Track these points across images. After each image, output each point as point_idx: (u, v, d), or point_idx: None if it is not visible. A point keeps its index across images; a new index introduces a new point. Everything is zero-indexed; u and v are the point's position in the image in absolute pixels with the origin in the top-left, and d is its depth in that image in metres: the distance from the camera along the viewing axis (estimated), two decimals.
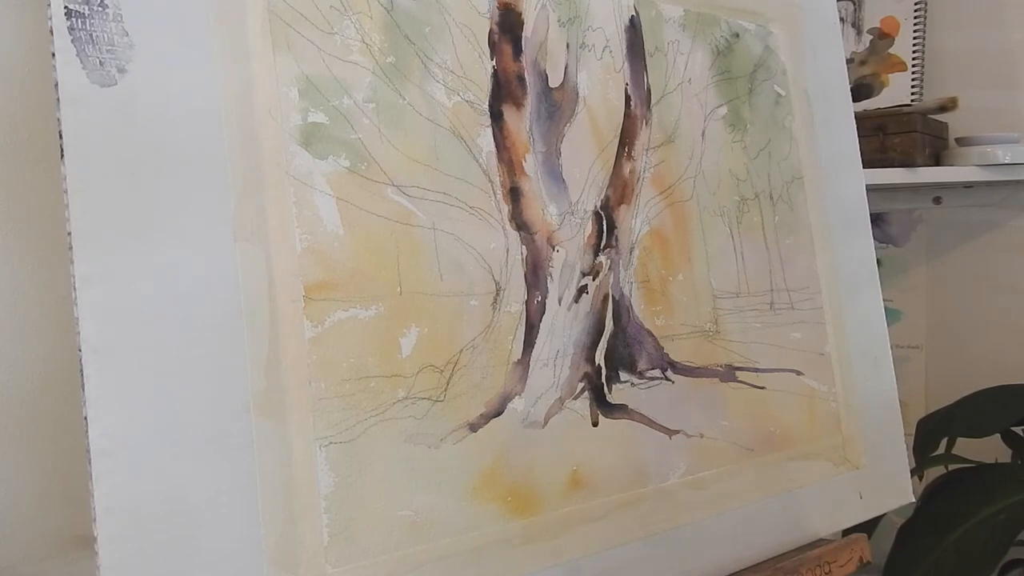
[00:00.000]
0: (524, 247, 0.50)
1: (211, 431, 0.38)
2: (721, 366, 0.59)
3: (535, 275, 0.50)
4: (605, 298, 0.54)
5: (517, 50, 0.52)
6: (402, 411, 0.44)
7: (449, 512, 0.45)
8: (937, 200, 1.27)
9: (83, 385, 0.35)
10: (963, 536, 0.86)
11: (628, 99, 0.57)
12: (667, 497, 0.54)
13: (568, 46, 0.54)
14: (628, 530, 0.52)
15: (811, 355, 0.65)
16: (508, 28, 0.51)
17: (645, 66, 0.58)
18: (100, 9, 0.38)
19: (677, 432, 0.56)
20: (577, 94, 0.54)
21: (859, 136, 0.73)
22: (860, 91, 1.22)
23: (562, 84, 0.54)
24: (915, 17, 1.24)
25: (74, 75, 0.37)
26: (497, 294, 0.48)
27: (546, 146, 0.52)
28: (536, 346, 0.50)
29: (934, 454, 1.00)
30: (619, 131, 0.56)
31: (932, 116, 1.17)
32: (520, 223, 0.50)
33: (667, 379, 0.56)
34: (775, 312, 0.63)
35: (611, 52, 0.56)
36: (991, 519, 0.86)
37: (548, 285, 0.51)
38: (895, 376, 0.71)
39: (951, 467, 0.99)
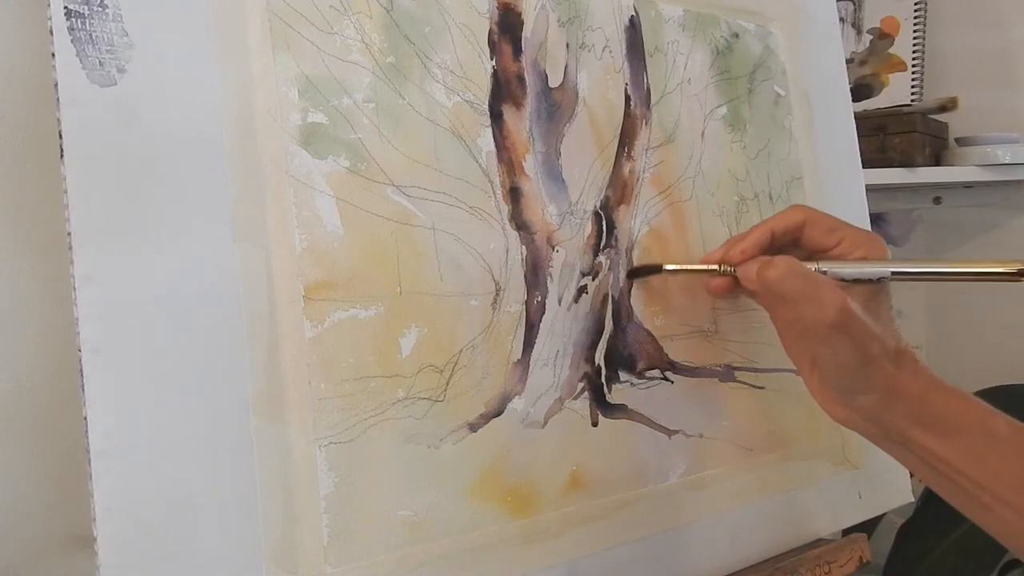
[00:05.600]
0: (524, 247, 0.50)
1: (211, 431, 0.38)
2: (720, 366, 0.59)
3: (535, 275, 0.50)
4: (605, 298, 0.54)
5: (517, 50, 0.52)
6: (402, 411, 0.44)
7: (449, 512, 0.45)
8: (937, 200, 1.27)
9: (83, 385, 0.35)
10: (963, 536, 0.86)
11: (628, 99, 0.57)
12: (667, 497, 0.54)
13: (568, 46, 0.54)
14: (628, 530, 0.52)
15: None
16: (508, 28, 0.51)
17: (645, 66, 0.58)
18: (100, 9, 0.38)
19: (677, 432, 0.56)
20: (577, 94, 0.54)
21: (859, 136, 0.73)
22: (860, 91, 1.22)
23: (562, 84, 0.54)
24: (915, 17, 1.24)
25: (74, 75, 0.37)
26: (497, 294, 0.48)
27: (546, 146, 0.52)
28: (536, 346, 0.50)
29: None
30: (619, 131, 0.56)
31: (932, 116, 1.17)
32: (520, 223, 0.50)
33: (666, 379, 0.56)
34: None
35: (611, 52, 0.56)
36: None
37: (548, 285, 0.51)
38: None
39: None
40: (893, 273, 0.50)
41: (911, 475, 0.72)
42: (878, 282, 0.50)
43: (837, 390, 0.48)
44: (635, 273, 0.56)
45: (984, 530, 0.48)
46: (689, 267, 0.55)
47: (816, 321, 0.46)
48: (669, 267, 0.55)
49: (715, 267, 0.53)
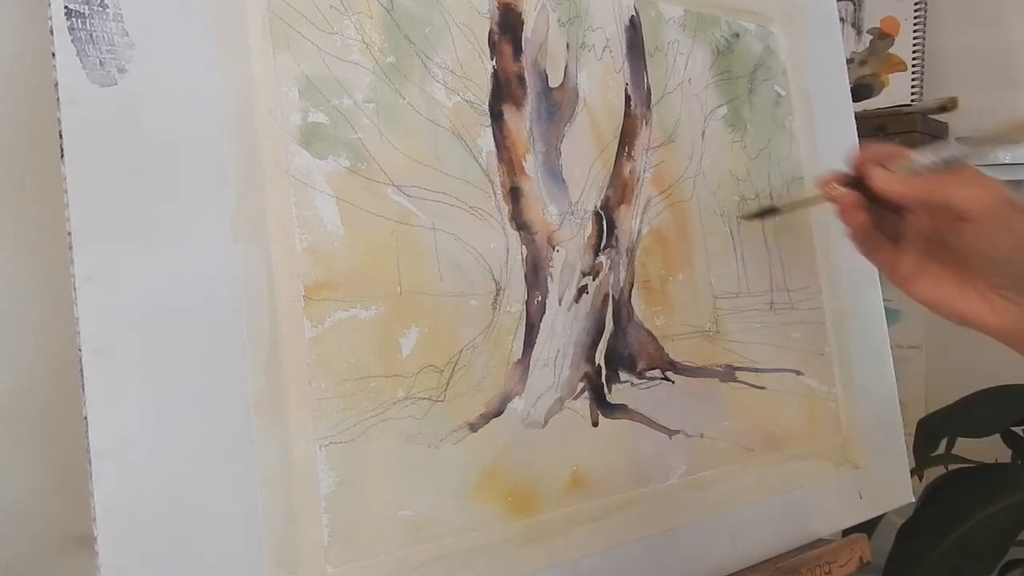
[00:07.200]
0: (524, 247, 0.50)
1: (211, 431, 0.38)
2: (721, 366, 0.59)
3: (535, 275, 0.50)
4: (605, 298, 0.54)
5: (517, 50, 0.52)
6: (402, 411, 0.44)
7: (449, 512, 0.45)
8: None
9: (83, 385, 0.35)
10: (963, 536, 0.86)
11: (628, 99, 0.57)
12: (667, 497, 0.54)
13: (568, 46, 0.54)
14: (628, 530, 0.52)
15: (811, 355, 0.65)
16: (508, 28, 0.51)
17: (645, 66, 0.58)
18: (100, 9, 0.38)
19: (677, 432, 0.56)
20: (577, 94, 0.54)
21: (859, 136, 0.73)
22: (860, 91, 1.22)
23: (562, 84, 0.54)
24: (915, 17, 1.24)
25: (74, 75, 0.37)
26: (497, 294, 0.48)
27: (546, 146, 0.52)
28: (536, 346, 0.50)
29: (934, 454, 1.00)
30: (619, 131, 0.56)
31: (932, 116, 1.17)
32: (520, 223, 0.50)
33: (667, 379, 0.56)
34: (775, 312, 0.63)
35: (611, 52, 0.56)
36: (991, 519, 0.86)
37: (548, 285, 0.51)
38: (895, 376, 0.71)
39: (951, 467, 0.99)
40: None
41: (911, 474, 0.73)
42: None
43: (1014, 278, 0.49)
44: (754, 215, 0.58)
45: None
46: (804, 197, 0.56)
47: (982, 203, 0.47)
48: (781, 204, 0.57)
49: (834, 190, 0.53)
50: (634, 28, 0.58)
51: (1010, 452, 1.01)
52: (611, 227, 0.54)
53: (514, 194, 0.50)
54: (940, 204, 0.51)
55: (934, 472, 1.00)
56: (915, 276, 0.55)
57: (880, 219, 0.54)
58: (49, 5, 0.36)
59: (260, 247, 0.41)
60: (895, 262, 0.56)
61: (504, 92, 0.51)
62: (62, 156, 0.36)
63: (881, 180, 0.51)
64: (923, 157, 0.50)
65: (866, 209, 0.53)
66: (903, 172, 0.51)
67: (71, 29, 0.37)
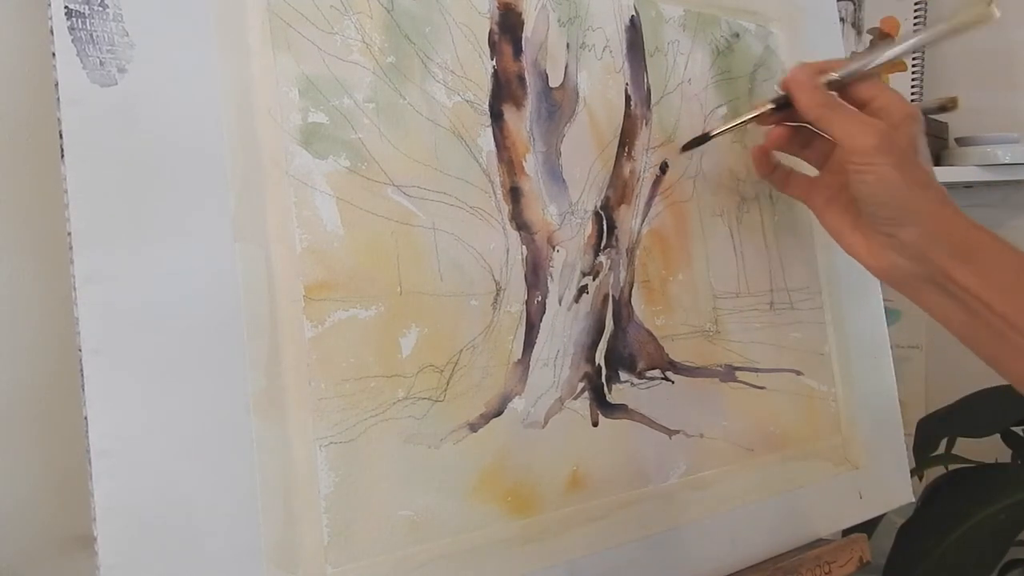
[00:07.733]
0: (524, 247, 0.50)
1: (211, 431, 0.38)
2: (721, 366, 0.59)
3: (535, 275, 0.50)
4: (605, 298, 0.54)
5: (517, 50, 0.52)
6: (402, 411, 0.44)
7: (449, 512, 0.45)
8: None
9: (83, 385, 0.35)
10: (963, 536, 0.86)
11: (628, 99, 0.57)
12: (667, 497, 0.54)
13: (568, 46, 0.54)
14: (628, 530, 0.52)
15: (811, 355, 0.65)
16: (508, 28, 0.51)
17: (645, 66, 0.58)
18: (100, 9, 0.38)
19: (677, 432, 0.56)
20: (577, 94, 0.54)
21: None
22: None
23: (562, 84, 0.54)
24: (915, 17, 1.24)
25: (74, 75, 0.37)
26: (497, 294, 0.48)
27: (546, 146, 0.52)
28: (536, 346, 0.50)
29: (934, 454, 1.00)
30: (619, 131, 0.56)
31: (932, 116, 1.17)
32: (520, 223, 0.50)
33: (667, 379, 0.56)
34: (775, 312, 0.63)
35: (611, 52, 0.56)
36: (991, 519, 0.86)
37: (548, 285, 0.51)
38: (895, 376, 0.71)
39: (951, 467, 0.99)
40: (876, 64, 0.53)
41: (911, 474, 0.73)
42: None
43: (884, 223, 0.50)
44: (688, 147, 0.58)
45: (1014, 382, 0.50)
46: (736, 120, 0.57)
47: (855, 142, 0.49)
48: (715, 132, 0.57)
49: (764, 109, 0.56)
50: (634, 28, 0.58)
51: (1010, 452, 1.01)
52: (611, 227, 0.54)
53: (514, 194, 0.50)
54: (826, 133, 0.53)
55: (934, 472, 1.00)
56: (827, 205, 0.57)
57: (809, 143, 0.57)
58: (49, 5, 0.36)
59: (260, 247, 0.41)
60: (814, 189, 0.58)
61: (504, 92, 0.51)
62: (62, 156, 0.36)
63: (798, 95, 0.53)
64: (845, 68, 0.53)
65: (787, 127, 0.56)
66: (823, 85, 0.53)
67: (71, 29, 0.37)
